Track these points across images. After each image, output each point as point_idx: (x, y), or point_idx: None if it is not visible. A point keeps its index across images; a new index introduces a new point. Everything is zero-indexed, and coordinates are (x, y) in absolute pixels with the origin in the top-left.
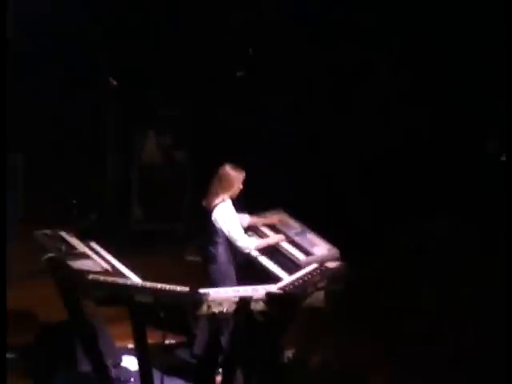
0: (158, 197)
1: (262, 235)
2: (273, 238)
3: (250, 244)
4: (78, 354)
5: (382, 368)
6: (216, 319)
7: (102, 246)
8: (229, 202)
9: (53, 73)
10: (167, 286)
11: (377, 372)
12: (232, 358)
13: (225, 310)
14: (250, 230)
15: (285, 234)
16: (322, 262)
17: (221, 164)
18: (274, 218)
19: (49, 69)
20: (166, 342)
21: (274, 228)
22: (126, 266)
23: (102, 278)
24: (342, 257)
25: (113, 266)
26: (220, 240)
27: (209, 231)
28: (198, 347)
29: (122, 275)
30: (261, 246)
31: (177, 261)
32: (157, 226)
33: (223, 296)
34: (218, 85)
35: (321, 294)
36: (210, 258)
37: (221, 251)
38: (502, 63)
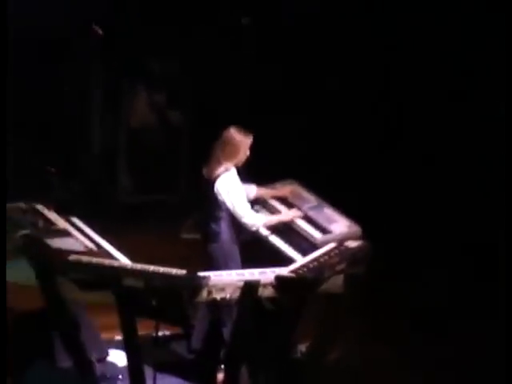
0: (149, 164)
1: (271, 210)
2: (286, 214)
3: (257, 220)
4: (57, 348)
5: (407, 366)
6: (218, 307)
7: (85, 221)
8: (233, 172)
9: (34, 33)
10: (160, 269)
11: (400, 370)
12: (236, 352)
13: (228, 297)
14: (257, 203)
15: (298, 208)
16: (341, 241)
17: (224, 126)
18: (286, 189)
19: (30, 30)
20: (160, 333)
21: (285, 201)
22: (113, 245)
23: (84, 258)
24: (365, 235)
25: (98, 245)
26: (223, 215)
27: (209, 205)
28: (197, 340)
29: (109, 255)
30: (271, 223)
31: (172, 239)
32: (148, 197)
33: (226, 280)
34: (223, 34)
35: (339, 279)
36: (210, 236)
37: (224, 228)
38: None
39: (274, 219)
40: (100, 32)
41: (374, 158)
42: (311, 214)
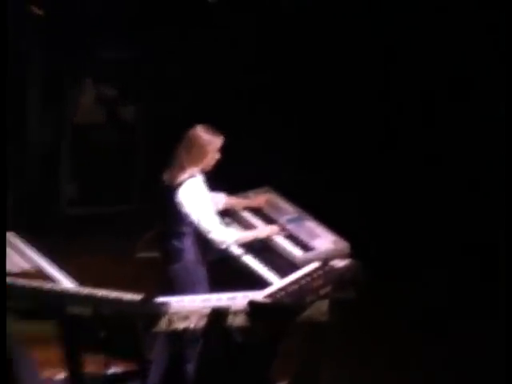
0: (98, 170)
1: (243, 223)
2: (263, 229)
3: (227, 236)
4: None
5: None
6: (180, 339)
7: (22, 237)
8: (199, 179)
9: None
10: (111, 294)
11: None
12: None
13: (192, 326)
14: (226, 215)
15: (275, 220)
16: (325, 260)
17: (188, 125)
18: (260, 199)
19: None
20: (110, 371)
21: (259, 213)
22: (55, 266)
23: (20, 282)
24: (353, 253)
25: (37, 266)
26: (187, 230)
27: (171, 217)
28: (155, 378)
29: (50, 278)
30: (244, 239)
31: (125, 258)
32: (97, 209)
33: (190, 307)
34: (182, 18)
35: (324, 304)
36: (172, 255)
37: (187, 245)
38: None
39: (248, 235)
40: (39, 12)
41: (373, 157)
42: (290, 227)
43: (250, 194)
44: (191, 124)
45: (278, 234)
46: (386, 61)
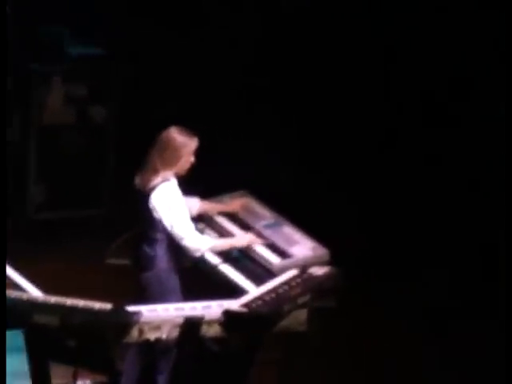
0: (66, 172)
1: (217, 229)
2: (240, 238)
3: (202, 244)
4: None
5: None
6: (151, 350)
7: None
8: (174, 182)
9: None
10: (80, 302)
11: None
12: None
13: (164, 337)
14: (200, 220)
15: (251, 226)
16: (304, 268)
17: (161, 126)
18: (235, 203)
19: None
20: (79, 383)
21: (234, 218)
22: (21, 273)
23: None
24: (333, 260)
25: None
26: (159, 236)
27: (143, 223)
28: None
29: (15, 286)
30: (220, 247)
31: (94, 265)
32: (64, 213)
33: (162, 316)
34: (162, 11)
35: (302, 314)
36: (143, 262)
37: (160, 253)
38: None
39: (224, 244)
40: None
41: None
42: (267, 233)
43: (225, 198)
44: (165, 125)
45: (256, 242)
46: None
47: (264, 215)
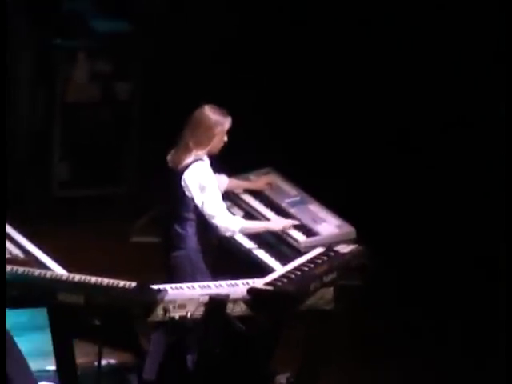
0: (90, 149)
1: (243, 207)
2: (275, 222)
3: (233, 224)
4: None
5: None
6: (176, 328)
7: (8, 221)
8: (206, 162)
9: None
10: (105, 280)
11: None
12: None
13: (189, 315)
14: (226, 198)
15: (275, 203)
16: (330, 246)
17: (187, 104)
18: (262, 181)
19: None
20: (104, 362)
21: (259, 195)
22: (45, 251)
23: (9, 268)
24: (360, 237)
25: (25, 251)
26: (190, 216)
27: (174, 201)
28: (150, 370)
29: (39, 264)
30: (251, 229)
31: (119, 243)
32: (89, 191)
33: (187, 294)
34: None
35: (329, 292)
36: (174, 241)
37: (191, 232)
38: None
39: (257, 226)
40: None
41: (378, 160)
42: (292, 211)
43: (251, 175)
44: (191, 102)
45: (290, 227)
46: (389, 62)
47: (289, 193)
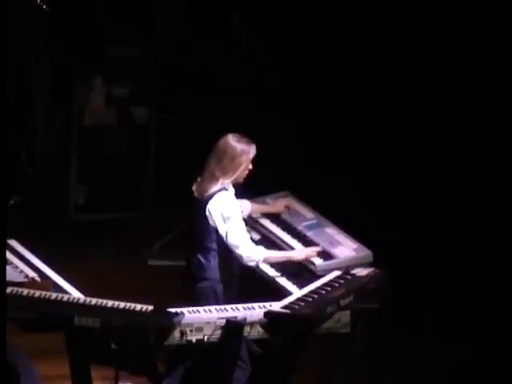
0: (107, 173)
1: (261, 231)
2: (298, 251)
3: (257, 254)
4: None
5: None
6: (193, 352)
7: (26, 244)
8: (231, 191)
9: None
10: (121, 304)
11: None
12: None
13: (206, 339)
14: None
15: (292, 226)
16: (347, 269)
17: (204, 129)
18: (279, 204)
19: None
20: None
21: (277, 219)
22: (62, 275)
23: (25, 291)
24: (377, 261)
25: (42, 275)
26: (213, 246)
27: (197, 231)
28: None
29: (56, 287)
30: (274, 259)
31: (136, 266)
32: (106, 215)
33: (204, 318)
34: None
35: (346, 316)
36: (197, 272)
37: (213, 263)
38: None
39: (280, 256)
40: (45, 6)
41: (386, 176)
42: (310, 234)
43: (268, 199)
44: (208, 127)
45: (313, 256)
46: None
47: (306, 216)
